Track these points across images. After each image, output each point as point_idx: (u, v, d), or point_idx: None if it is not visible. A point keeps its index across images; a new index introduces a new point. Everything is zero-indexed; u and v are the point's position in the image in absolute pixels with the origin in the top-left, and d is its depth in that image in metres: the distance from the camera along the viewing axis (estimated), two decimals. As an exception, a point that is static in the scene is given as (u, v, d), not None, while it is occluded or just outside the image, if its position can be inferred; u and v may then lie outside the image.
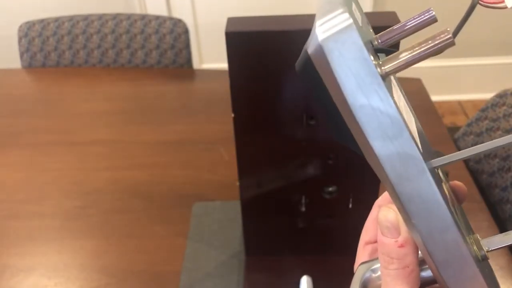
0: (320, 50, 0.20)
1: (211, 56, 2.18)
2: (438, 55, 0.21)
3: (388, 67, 0.21)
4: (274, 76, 0.50)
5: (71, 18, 1.35)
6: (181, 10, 2.04)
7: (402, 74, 0.26)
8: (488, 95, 0.99)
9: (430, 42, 0.21)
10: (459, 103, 2.21)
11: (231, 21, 0.49)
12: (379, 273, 0.28)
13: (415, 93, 1.06)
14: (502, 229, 0.80)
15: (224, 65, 0.51)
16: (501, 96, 0.90)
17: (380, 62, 0.21)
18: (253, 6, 2.00)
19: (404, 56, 0.21)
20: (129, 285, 0.67)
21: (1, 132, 1.02)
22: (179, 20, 1.34)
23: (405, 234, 0.24)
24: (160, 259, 0.70)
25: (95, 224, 0.77)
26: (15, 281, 0.68)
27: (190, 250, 0.70)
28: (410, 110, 0.27)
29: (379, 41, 0.23)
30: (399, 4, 1.91)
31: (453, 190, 0.27)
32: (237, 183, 0.60)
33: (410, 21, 0.23)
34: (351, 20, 0.19)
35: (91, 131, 1.00)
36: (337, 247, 0.67)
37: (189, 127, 1.00)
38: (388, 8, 1.99)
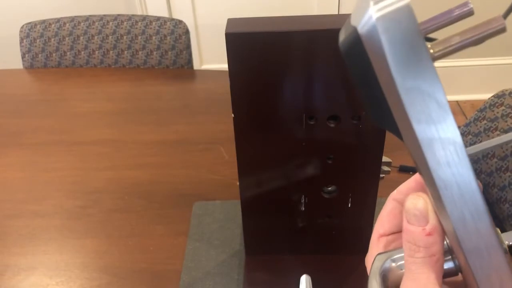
0: (374, 29, 0.19)
1: (211, 57, 2.19)
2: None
3: (437, 50, 0.21)
4: (274, 76, 0.51)
5: (72, 19, 1.35)
6: (182, 11, 2.05)
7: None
8: (486, 96, 1.00)
9: (482, 28, 0.20)
10: (458, 103, 2.22)
11: (231, 22, 0.50)
12: (400, 262, 0.28)
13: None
14: (501, 228, 0.80)
15: (224, 66, 0.52)
16: (499, 96, 0.90)
17: (429, 46, 0.21)
18: (253, 7, 2.00)
19: (455, 40, 0.21)
20: (130, 284, 0.67)
21: (2, 132, 1.02)
22: (180, 21, 1.34)
23: (434, 222, 0.24)
24: (161, 258, 0.71)
25: (96, 223, 0.77)
26: (16, 280, 0.68)
27: (190, 249, 0.71)
28: None
29: None
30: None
31: None
32: (237, 183, 0.60)
33: (450, 12, 0.23)
34: None
35: (92, 131, 1.01)
36: (336, 246, 0.68)
37: (189, 127, 1.00)
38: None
